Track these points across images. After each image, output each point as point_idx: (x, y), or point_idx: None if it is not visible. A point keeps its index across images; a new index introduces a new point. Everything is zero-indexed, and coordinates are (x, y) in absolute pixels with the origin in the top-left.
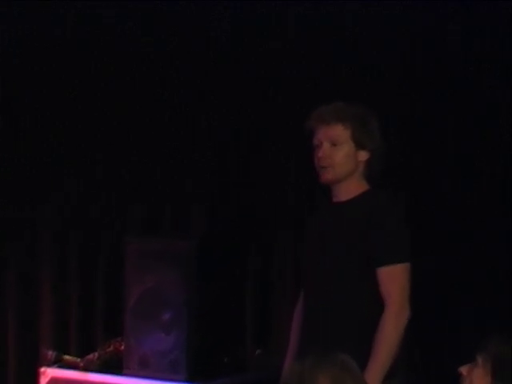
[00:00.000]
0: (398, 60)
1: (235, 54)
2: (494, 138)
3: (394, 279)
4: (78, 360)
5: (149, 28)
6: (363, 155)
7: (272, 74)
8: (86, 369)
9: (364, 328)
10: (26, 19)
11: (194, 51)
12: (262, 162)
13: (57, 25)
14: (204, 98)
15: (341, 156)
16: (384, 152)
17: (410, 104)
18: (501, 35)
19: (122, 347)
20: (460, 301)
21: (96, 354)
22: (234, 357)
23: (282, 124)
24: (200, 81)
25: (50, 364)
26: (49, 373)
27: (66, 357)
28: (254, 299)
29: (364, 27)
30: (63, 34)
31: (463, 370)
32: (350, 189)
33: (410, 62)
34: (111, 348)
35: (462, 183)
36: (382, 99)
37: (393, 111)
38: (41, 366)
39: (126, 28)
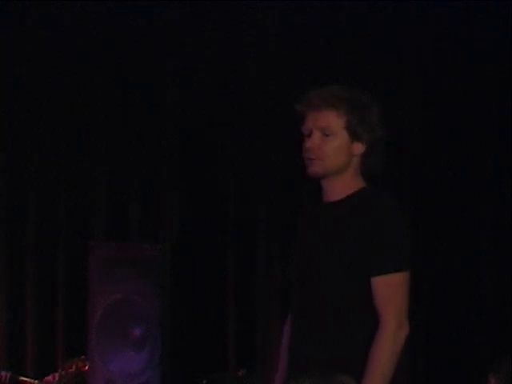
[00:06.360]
0: (398, 59)
1: (219, 49)
2: (494, 138)
3: (391, 291)
4: (36, 382)
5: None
6: (358, 148)
7: (272, 75)
8: None
9: (363, 343)
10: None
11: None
12: (237, 164)
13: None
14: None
15: (332, 148)
16: (383, 145)
17: (410, 104)
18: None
19: (86, 367)
20: (462, 307)
21: (56, 376)
22: (214, 378)
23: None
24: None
25: None
26: None
27: (23, 378)
28: (237, 311)
29: (364, 27)
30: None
31: None
32: (343, 186)
33: (410, 62)
34: (73, 368)
35: (462, 183)
36: (381, 99)
37: (392, 111)
38: None
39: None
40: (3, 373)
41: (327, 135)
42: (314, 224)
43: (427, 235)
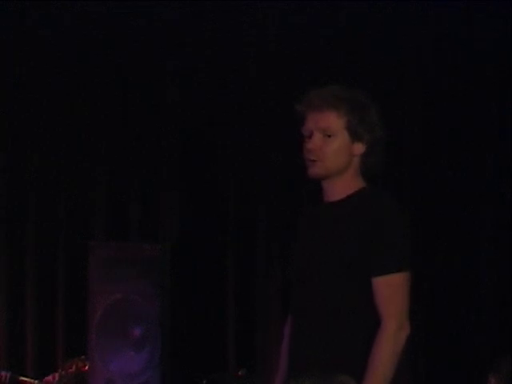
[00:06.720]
0: (398, 59)
1: (220, 49)
2: (494, 138)
3: (392, 291)
4: (36, 382)
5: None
6: (359, 148)
7: (272, 75)
8: None
9: (363, 343)
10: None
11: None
12: (237, 164)
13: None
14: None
15: (333, 149)
16: (383, 145)
17: (410, 104)
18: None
19: (86, 367)
20: (462, 307)
21: (56, 376)
22: (214, 378)
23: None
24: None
25: None
26: None
27: (23, 378)
28: (237, 311)
29: (364, 27)
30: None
31: None
32: (344, 186)
33: (410, 62)
34: (73, 368)
35: (462, 183)
36: (381, 99)
37: (392, 111)
38: None
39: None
40: (3, 373)
41: (328, 136)
42: (314, 224)
43: (427, 235)
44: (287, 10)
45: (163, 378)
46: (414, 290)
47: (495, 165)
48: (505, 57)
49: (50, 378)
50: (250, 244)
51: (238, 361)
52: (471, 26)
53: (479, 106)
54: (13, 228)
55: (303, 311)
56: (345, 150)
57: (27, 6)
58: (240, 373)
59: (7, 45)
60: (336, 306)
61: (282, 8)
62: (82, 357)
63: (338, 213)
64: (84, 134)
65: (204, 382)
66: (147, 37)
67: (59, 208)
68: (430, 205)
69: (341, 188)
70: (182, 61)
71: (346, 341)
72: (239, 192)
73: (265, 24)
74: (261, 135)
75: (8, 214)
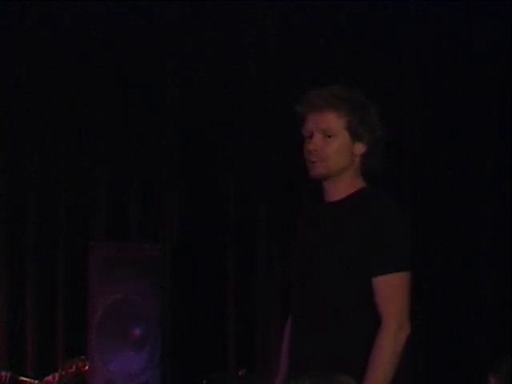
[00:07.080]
0: (398, 59)
1: (220, 49)
2: (494, 138)
3: (392, 291)
4: (36, 382)
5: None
6: (359, 148)
7: (272, 75)
8: None
9: (363, 343)
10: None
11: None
12: (237, 164)
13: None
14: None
15: (334, 149)
16: (383, 145)
17: (410, 104)
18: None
19: (86, 367)
20: (462, 307)
21: (56, 376)
22: (214, 378)
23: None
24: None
25: None
26: None
27: (23, 378)
28: (237, 311)
29: (364, 27)
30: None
31: None
32: (344, 186)
33: (410, 62)
34: (73, 368)
35: (462, 183)
36: (381, 99)
37: (392, 111)
38: None
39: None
40: (3, 373)
41: (328, 136)
42: (314, 224)
43: (427, 235)
44: (287, 10)
45: (163, 378)
46: (414, 290)
47: (495, 165)
48: (505, 57)
49: (50, 378)
50: (250, 244)
51: (238, 361)
52: (471, 25)
53: (479, 106)
54: (13, 228)
55: (303, 311)
56: (345, 150)
57: (27, 6)
58: (240, 373)
59: (7, 45)
60: (336, 305)
61: (282, 8)
62: (82, 357)
63: (338, 213)
64: (84, 133)
65: (204, 382)
66: (147, 37)
67: (59, 208)
68: (430, 205)
69: (341, 188)
70: (182, 61)
71: (346, 341)
72: (239, 192)
73: (265, 24)
74: (261, 135)
75: (8, 214)
